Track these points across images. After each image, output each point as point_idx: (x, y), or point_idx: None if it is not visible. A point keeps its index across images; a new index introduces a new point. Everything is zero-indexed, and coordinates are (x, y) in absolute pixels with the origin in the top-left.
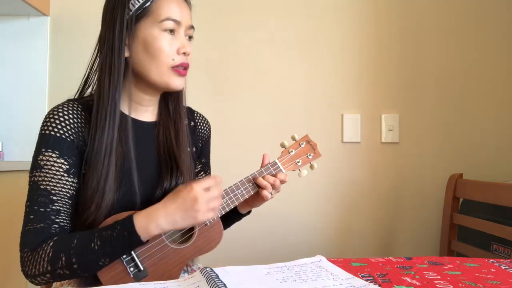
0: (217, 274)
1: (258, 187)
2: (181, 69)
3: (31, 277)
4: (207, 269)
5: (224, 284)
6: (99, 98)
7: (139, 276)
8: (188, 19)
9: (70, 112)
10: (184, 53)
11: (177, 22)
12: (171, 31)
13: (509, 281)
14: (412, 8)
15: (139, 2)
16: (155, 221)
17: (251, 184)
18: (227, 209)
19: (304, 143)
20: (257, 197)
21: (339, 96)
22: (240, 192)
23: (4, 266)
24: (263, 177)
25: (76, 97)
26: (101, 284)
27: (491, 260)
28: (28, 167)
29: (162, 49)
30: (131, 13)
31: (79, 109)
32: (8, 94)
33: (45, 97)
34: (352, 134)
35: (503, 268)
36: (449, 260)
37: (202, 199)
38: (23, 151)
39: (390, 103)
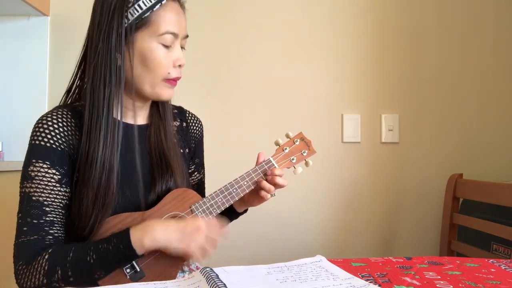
0: (217, 274)
1: (260, 188)
2: (175, 81)
3: None
4: (207, 269)
5: (224, 284)
6: (92, 109)
7: (136, 277)
8: (184, 29)
9: (60, 120)
10: (179, 66)
11: (175, 35)
12: (170, 45)
13: (509, 281)
14: (412, 8)
15: (137, 12)
16: (151, 233)
17: (245, 182)
18: (223, 208)
19: (299, 140)
20: (256, 196)
21: (339, 96)
22: (235, 190)
23: (4, 266)
24: (266, 180)
25: (62, 103)
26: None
27: (491, 260)
28: None
29: (159, 62)
30: (129, 22)
31: (69, 116)
32: (8, 94)
33: (45, 97)
34: (352, 134)
35: (503, 268)
36: (449, 260)
37: (203, 232)
38: (23, 151)
39: (390, 103)
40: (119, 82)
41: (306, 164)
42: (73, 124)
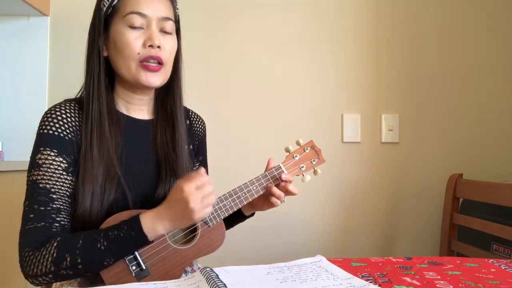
0: (217, 274)
1: (270, 194)
2: (152, 64)
3: (32, 277)
4: (207, 269)
5: (224, 284)
6: (86, 99)
7: (141, 275)
8: (159, 11)
9: (68, 111)
10: (151, 46)
11: (142, 16)
12: (138, 26)
13: (509, 281)
14: (412, 8)
15: (108, 1)
16: (162, 221)
17: (254, 187)
18: (231, 211)
19: (309, 148)
20: (265, 202)
21: (339, 96)
22: (244, 194)
23: (4, 266)
24: (277, 186)
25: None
26: (102, 282)
27: (491, 260)
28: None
29: (126, 43)
30: (103, 12)
31: (76, 108)
32: (8, 94)
33: (45, 97)
34: (352, 134)
35: (503, 268)
36: (449, 260)
37: (194, 198)
38: (23, 151)
39: (390, 103)
40: (103, 71)
41: (315, 172)
42: (80, 116)
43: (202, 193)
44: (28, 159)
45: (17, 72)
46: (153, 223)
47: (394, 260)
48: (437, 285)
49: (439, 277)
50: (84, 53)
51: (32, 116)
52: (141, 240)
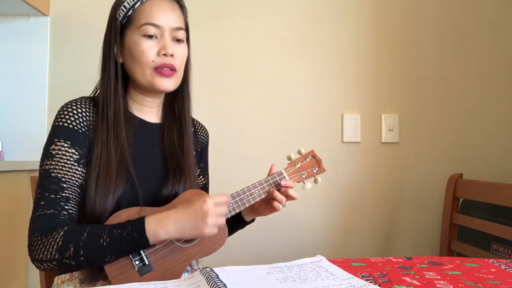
0: (217, 274)
1: (272, 198)
2: (165, 70)
3: (38, 262)
4: (207, 269)
5: (224, 284)
6: (101, 101)
7: (144, 271)
8: (171, 21)
9: (83, 106)
10: (165, 55)
11: (156, 26)
12: (152, 35)
13: (509, 281)
14: (412, 8)
15: (123, 11)
16: (165, 226)
17: (257, 191)
18: (233, 213)
19: (310, 157)
20: (267, 206)
21: (339, 96)
22: (246, 197)
23: (4, 266)
24: (278, 191)
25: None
26: (105, 275)
27: (491, 260)
28: (28, 167)
29: (142, 52)
30: (118, 22)
31: (91, 105)
32: (8, 94)
33: (45, 97)
34: (352, 134)
35: (503, 268)
36: (449, 260)
37: (213, 213)
38: (23, 151)
39: (390, 103)
40: (119, 77)
41: (315, 181)
42: (94, 112)
43: (219, 211)
44: (28, 159)
45: (17, 72)
46: (156, 227)
47: (394, 260)
48: (437, 285)
49: (439, 277)
50: (84, 53)
51: (32, 116)
52: (143, 242)
